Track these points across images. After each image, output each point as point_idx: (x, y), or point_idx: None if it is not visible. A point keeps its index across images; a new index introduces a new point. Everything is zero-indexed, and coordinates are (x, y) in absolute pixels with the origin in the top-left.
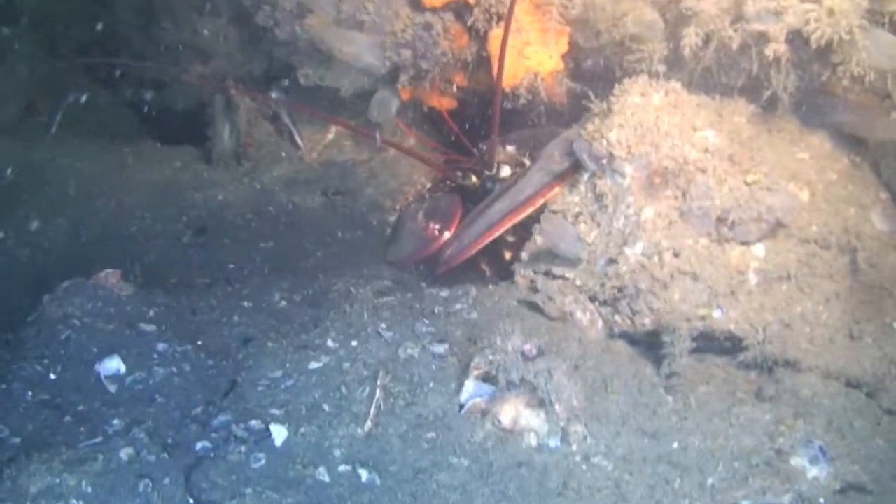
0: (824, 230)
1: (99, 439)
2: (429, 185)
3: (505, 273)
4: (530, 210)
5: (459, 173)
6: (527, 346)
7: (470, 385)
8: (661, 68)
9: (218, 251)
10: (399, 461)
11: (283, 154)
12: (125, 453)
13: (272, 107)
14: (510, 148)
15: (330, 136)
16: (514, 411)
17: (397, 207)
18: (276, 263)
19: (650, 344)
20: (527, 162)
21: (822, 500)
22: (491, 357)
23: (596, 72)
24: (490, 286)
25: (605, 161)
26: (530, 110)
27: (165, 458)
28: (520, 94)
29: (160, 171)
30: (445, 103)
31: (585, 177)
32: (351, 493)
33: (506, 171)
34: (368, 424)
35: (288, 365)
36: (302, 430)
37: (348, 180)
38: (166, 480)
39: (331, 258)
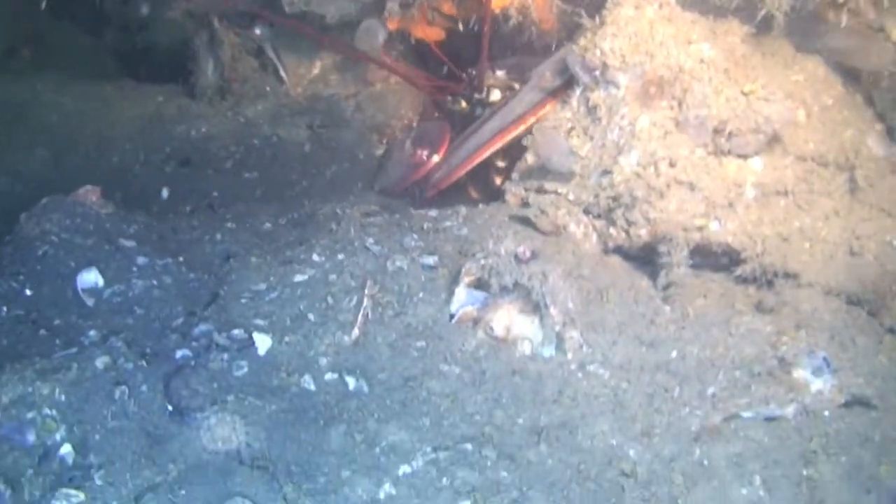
0: (821, 148)
1: (74, 350)
2: (416, 118)
3: (494, 198)
4: (521, 128)
5: (449, 98)
6: (520, 249)
7: (461, 293)
8: None
9: (201, 181)
10: (388, 369)
11: (268, 89)
12: (101, 362)
13: (256, 41)
14: (500, 73)
15: (315, 70)
16: (507, 318)
17: (384, 141)
18: (261, 192)
19: (645, 260)
20: (517, 87)
21: (826, 414)
22: (483, 261)
23: None
24: (480, 206)
25: (598, 72)
26: (520, 34)
27: (143, 366)
28: (510, 14)
29: (143, 105)
30: (433, 34)
31: (578, 92)
32: (338, 400)
33: (496, 95)
34: (356, 332)
35: (272, 278)
36: (286, 339)
37: (334, 114)
38: (144, 387)
39: (316, 188)
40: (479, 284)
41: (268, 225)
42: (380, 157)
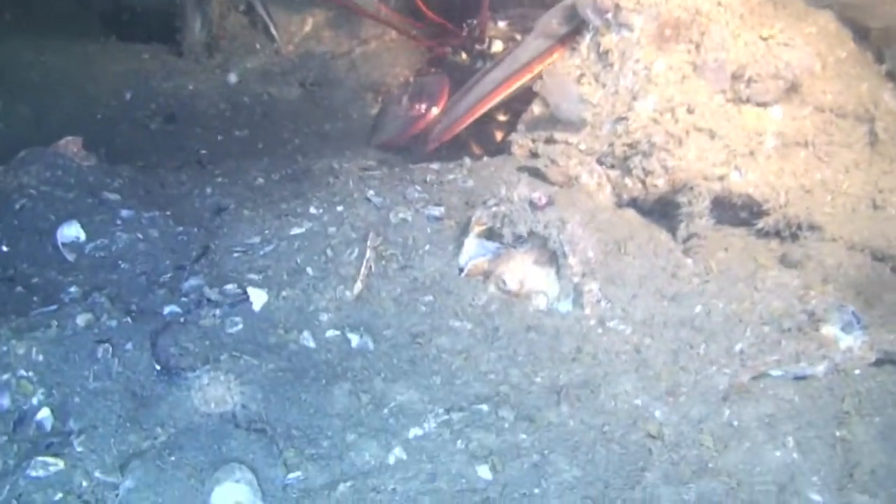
0: (839, 99)
1: (53, 307)
2: (413, 76)
3: (497, 154)
4: (527, 77)
5: (448, 50)
6: (535, 195)
7: (471, 244)
8: None
9: (188, 138)
10: (394, 325)
11: (258, 46)
12: (82, 319)
13: None
14: (502, 24)
15: (307, 27)
16: (520, 271)
17: (379, 100)
18: (252, 150)
19: (661, 213)
20: (519, 38)
21: (857, 372)
22: (495, 209)
23: None
24: (485, 158)
25: (610, 14)
26: None
27: (128, 323)
28: None
29: (127, 62)
30: None
31: (587, 37)
32: (341, 358)
33: (498, 47)
34: (358, 286)
35: (267, 231)
36: (283, 293)
37: (327, 72)
38: (129, 346)
39: (310, 146)
40: (491, 234)
41: (260, 180)
42: (375, 114)
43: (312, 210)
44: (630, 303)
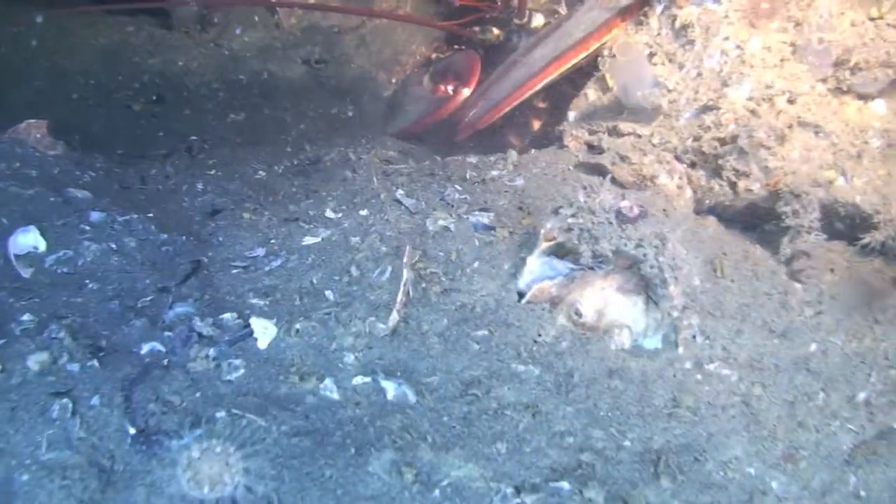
0: None
1: (0, 341)
2: (432, 54)
3: (536, 145)
4: (582, 55)
5: (477, 28)
6: (625, 204)
7: (535, 263)
8: None
9: (177, 122)
10: (441, 370)
11: (256, 18)
12: (36, 361)
13: None
14: None
15: None
16: (600, 299)
17: (393, 80)
18: (250, 136)
19: (749, 224)
20: (562, 10)
21: None
22: (571, 220)
23: None
24: (532, 151)
25: None
26: None
27: (95, 368)
28: None
29: (108, 35)
30: None
31: (659, 8)
32: (373, 415)
33: (538, 20)
34: (394, 317)
35: (273, 241)
36: (297, 326)
37: (334, 49)
38: (95, 400)
39: (316, 132)
40: (561, 251)
41: (261, 173)
42: (389, 97)
43: (329, 213)
44: (733, 340)
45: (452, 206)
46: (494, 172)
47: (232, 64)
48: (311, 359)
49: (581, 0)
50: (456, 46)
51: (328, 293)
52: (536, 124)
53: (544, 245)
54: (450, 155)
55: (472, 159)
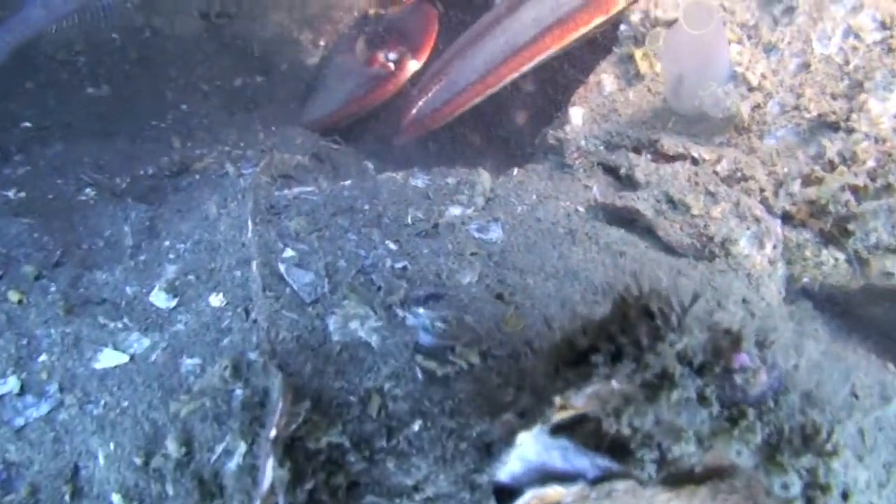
0: None
1: None
2: (371, 10)
3: (515, 146)
4: (596, 22)
5: None
6: (741, 360)
7: (531, 443)
8: None
9: (12, 101)
10: None
11: None
12: None
13: None
14: None
15: None
16: None
17: (321, 43)
18: (108, 120)
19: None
20: None
21: None
22: (619, 384)
23: None
24: (514, 169)
25: None
26: None
27: None
28: None
29: None
30: None
31: None
32: None
33: None
34: None
35: (43, 358)
36: None
37: None
38: None
39: (203, 115)
40: (586, 431)
41: (88, 193)
42: (314, 67)
43: (160, 296)
44: None
45: (379, 287)
46: (455, 210)
47: (104, 17)
48: None
49: None
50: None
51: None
52: (522, 116)
53: (558, 416)
54: (387, 165)
55: (420, 181)
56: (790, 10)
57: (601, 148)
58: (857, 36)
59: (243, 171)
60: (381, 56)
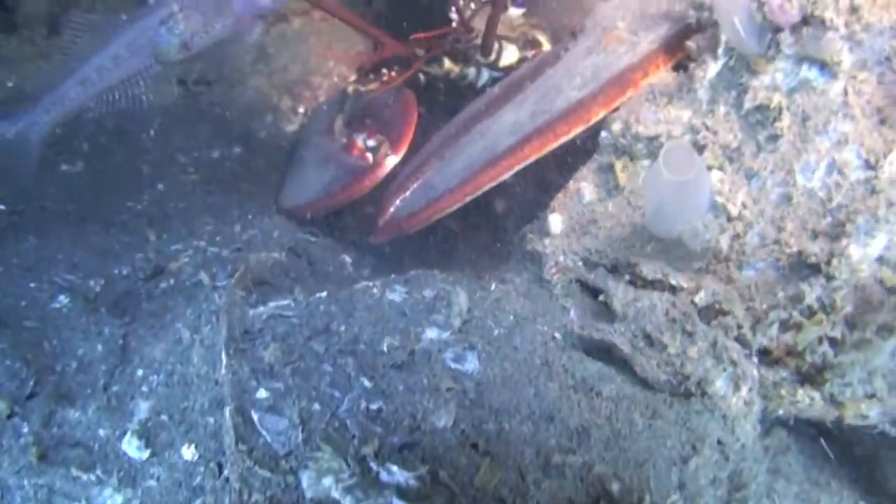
0: None
1: None
2: (353, 75)
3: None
4: (576, 132)
5: (419, 52)
6: None
7: None
8: None
9: None
10: None
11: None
12: None
13: None
14: (514, 12)
15: None
16: None
17: (300, 110)
18: (82, 203)
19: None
20: (543, 40)
21: None
22: None
23: None
24: (493, 284)
25: (791, 24)
26: None
27: None
28: None
29: None
30: None
31: (714, 67)
32: None
33: (511, 56)
34: None
35: None
36: None
37: (223, 62)
38: None
39: (179, 197)
40: None
41: (62, 301)
42: (298, 133)
43: (132, 444)
44: None
45: (353, 435)
46: (431, 333)
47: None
48: None
49: (574, 34)
50: (385, 74)
51: None
52: (499, 205)
53: None
54: (365, 255)
55: (397, 294)
56: (774, 138)
57: (580, 264)
58: (840, 172)
59: (217, 284)
60: (359, 142)
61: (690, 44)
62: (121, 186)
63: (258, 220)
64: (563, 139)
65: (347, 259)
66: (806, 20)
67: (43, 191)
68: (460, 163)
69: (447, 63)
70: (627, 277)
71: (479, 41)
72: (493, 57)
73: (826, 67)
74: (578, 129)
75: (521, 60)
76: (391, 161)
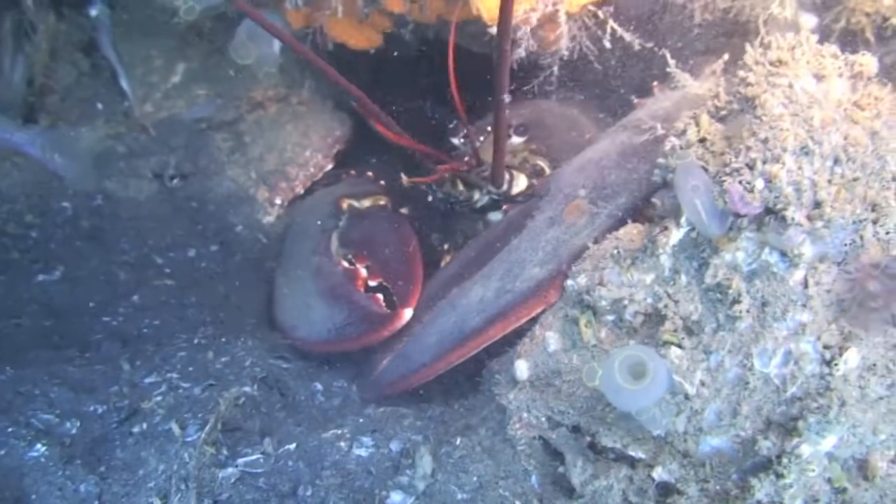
0: None
1: None
2: (329, 165)
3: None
4: (522, 322)
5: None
6: None
7: None
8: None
9: None
10: None
11: (100, 106)
12: None
13: (88, 29)
14: (516, 140)
15: (176, 77)
16: None
17: (277, 202)
18: (59, 318)
19: None
20: (545, 165)
21: None
22: None
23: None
24: (458, 439)
25: (752, 213)
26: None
27: None
28: (519, 38)
29: None
30: (363, 40)
31: (676, 234)
32: None
33: (521, 185)
34: None
35: None
36: None
37: (199, 154)
38: None
39: (154, 313)
40: None
41: (36, 451)
42: (276, 225)
43: None
44: None
45: None
46: (396, 497)
47: (57, 182)
48: None
49: (540, 196)
50: (371, 168)
51: None
52: None
53: None
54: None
55: (364, 449)
56: (733, 318)
57: (543, 421)
58: (797, 363)
59: (186, 438)
60: (362, 275)
61: (655, 200)
62: (97, 296)
63: (231, 343)
64: (525, 319)
65: (319, 387)
66: (769, 210)
67: (19, 306)
68: (433, 336)
69: (459, 186)
70: (588, 440)
71: (486, 172)
72: (504, 187)
73: (787, 256)
74: (538, 310)
75: (528, 188)
76: (407, 314)
